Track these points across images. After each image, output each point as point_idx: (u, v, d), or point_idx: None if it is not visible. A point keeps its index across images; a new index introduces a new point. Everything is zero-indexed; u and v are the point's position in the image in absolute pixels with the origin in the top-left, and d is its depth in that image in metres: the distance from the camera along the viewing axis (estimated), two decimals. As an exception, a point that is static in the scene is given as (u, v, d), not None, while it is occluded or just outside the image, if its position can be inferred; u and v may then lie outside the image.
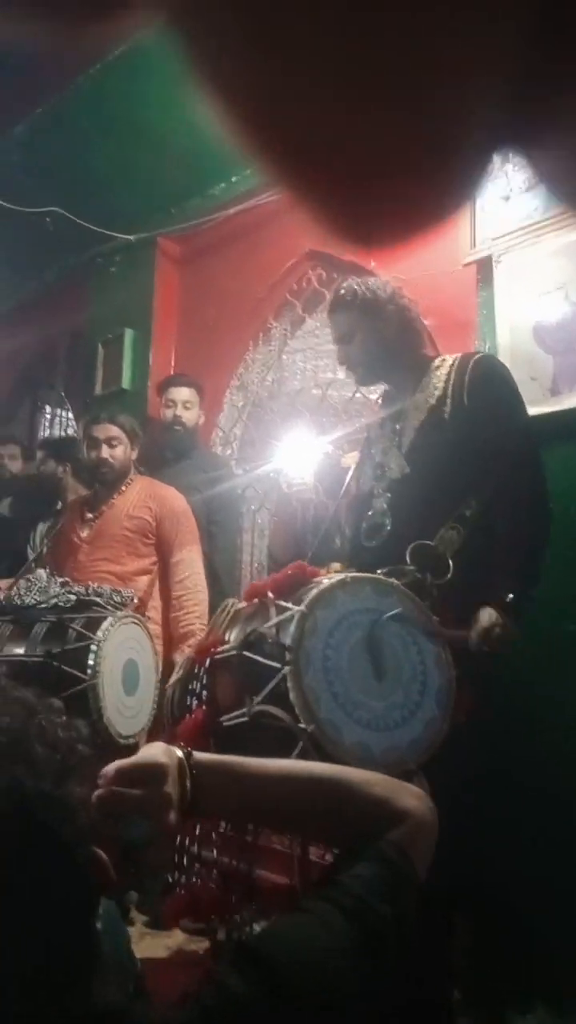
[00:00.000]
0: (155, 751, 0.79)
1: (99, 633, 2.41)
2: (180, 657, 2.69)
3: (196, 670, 1.67)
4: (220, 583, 3.38)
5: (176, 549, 3.08)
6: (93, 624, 2.45)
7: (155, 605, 3.08)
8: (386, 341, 2.17)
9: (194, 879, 1.56)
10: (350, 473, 2.42)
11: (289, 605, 1.47)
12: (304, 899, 0.75)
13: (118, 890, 0.70)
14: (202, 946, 2.75)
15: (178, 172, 3.78)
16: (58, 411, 5.19)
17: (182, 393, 3.56)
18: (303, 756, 1.43)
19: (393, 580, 1.61)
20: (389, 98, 0.22)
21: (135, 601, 2.67)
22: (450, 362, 2.14)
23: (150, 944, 2.71)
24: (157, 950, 2.67)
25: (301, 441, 3.54)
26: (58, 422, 5.21)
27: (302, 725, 1.39)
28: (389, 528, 2.10)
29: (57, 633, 2.43)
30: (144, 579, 3.05)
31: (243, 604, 1.75)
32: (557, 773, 2.28)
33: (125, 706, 2.49)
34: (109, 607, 2.54)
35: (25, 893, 0.60)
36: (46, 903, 0.61)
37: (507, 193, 2.72)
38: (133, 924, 2.87)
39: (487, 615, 1.80)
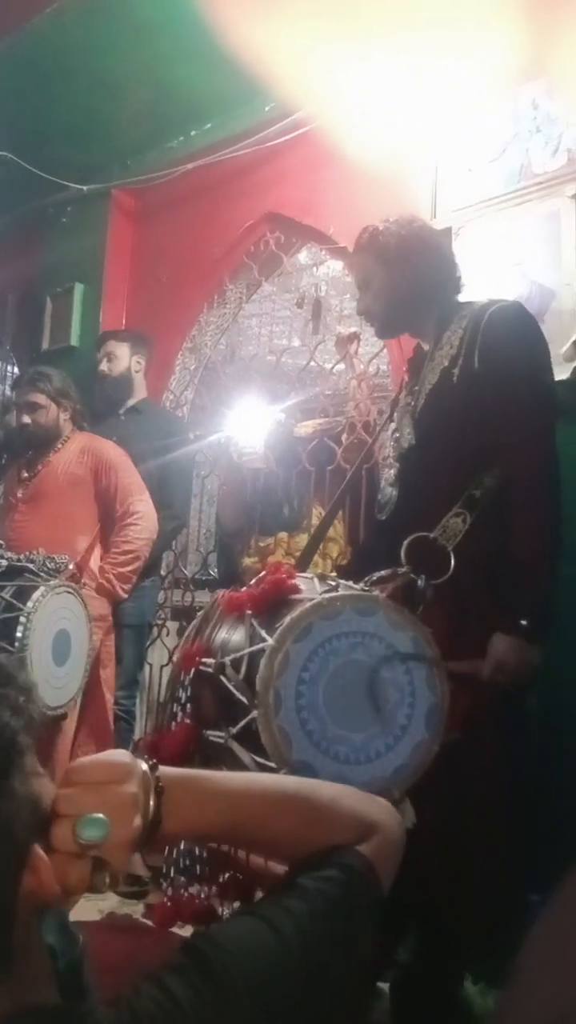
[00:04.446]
0: (119, 753, 0.75)
1: (29, 604, 2.37)
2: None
3: (182, 677, 1.61)
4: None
5: (119, 502, 3.00)
6: (23, 593, 2.41)
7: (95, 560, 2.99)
8: (403, 291, 1.94)
9: (180, 890, 1.53)
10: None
11: (263, 634, 1.39)
12: (259, 902, 0.73)
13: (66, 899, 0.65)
14: (136, 909, 2.76)
15: (136, 123, 3.65)
16: (4, 366, 5.03)
17: (107, 346, 3.51)
18: None
19: (377, 594, 1.47)
20: None
21: (70, 568, 2.62)
22: (468, 313, 1.87)
23: (83, 907, 2.70)
24: (90, 913, 2.66)
25: (253, 408, 3.49)
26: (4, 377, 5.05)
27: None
28: (395, 501, 1.95)
29: None
30: (84, 537, 2.98)
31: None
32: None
33: (54, 677, 2.47)
34: (42, 574, 2.49)
35: None
36: None
37: (470, 165, 2.69)
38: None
39: (500, 645, 1.63)
